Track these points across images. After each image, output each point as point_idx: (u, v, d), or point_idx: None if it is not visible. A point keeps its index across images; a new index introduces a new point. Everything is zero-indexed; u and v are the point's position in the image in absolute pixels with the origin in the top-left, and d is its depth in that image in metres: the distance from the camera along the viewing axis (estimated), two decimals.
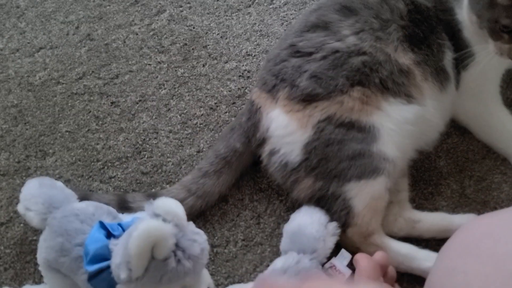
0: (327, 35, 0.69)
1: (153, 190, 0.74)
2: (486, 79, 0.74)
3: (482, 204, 0.71)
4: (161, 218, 0.51)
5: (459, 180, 0.73)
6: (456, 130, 0.78)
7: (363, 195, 0.64)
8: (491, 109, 0.75)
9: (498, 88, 0.75)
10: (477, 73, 0.73)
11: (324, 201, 0.66)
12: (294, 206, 0.70)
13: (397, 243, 0.65)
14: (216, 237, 0.70)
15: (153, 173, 0.77)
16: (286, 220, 0.69)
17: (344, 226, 0.65)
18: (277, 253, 0.68)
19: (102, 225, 0.56)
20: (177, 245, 0.51)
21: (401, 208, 0.69)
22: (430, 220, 0.68)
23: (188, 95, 0.86)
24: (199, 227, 0.57)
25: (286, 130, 0.67)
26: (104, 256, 0.53)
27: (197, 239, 0.53)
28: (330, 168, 0.64)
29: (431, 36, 0.72)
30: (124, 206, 0.66)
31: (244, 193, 0.74)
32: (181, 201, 0.59)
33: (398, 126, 0.66)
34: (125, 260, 0.48)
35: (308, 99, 0.67)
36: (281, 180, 0.68)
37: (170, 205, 0.52)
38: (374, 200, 0.65)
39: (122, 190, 0.75)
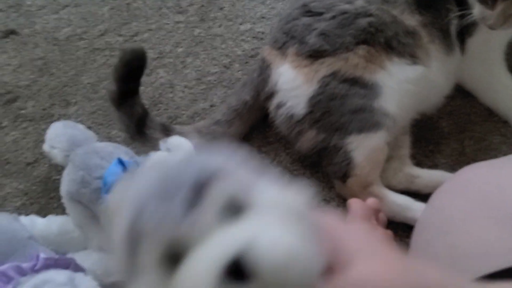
0: None
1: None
2: (490, 45, 0.76)
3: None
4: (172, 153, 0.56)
5: (459, 139, 0.76)
6: (460, 93, 0.80)
7: (363, 147, 0.68)
8: (495, 74, 0.77)
9: (503, 55, 0.77)
10: (481, 39, 0.75)
11: (326, 152, 0.70)
12: (299, 158, 0.74)
13: (394, 194, 0.69)
14: None
15: (168, 124, 0.81)
16: (291, 171, 0.73)
17: (344, 176, 0.69)
18: None
19: (120, 161, 0.61)
20: None
21: (401, 163, 0.73)
22: (429, 177, 0.72)
23: (204, 54, 0.90)
24: None
25: (293, 84, 0.71)
26: None
27: None
28: (332, 121, 0.68)
29: (439, 0, 0.74)
30: (141, 130, 0.71)
31: (253, 145, 0.78)
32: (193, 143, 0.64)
33: (401, 85, 0.69)
34: None
35: (315, 55, 0.70)
36: (286, 131, 0.72)
37: (181, 142, 0.57)
38: (374, 152, 0.68)
39: None
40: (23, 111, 0.84)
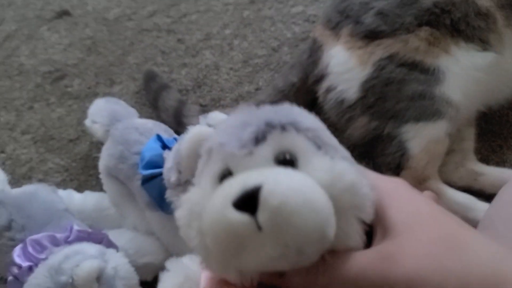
0: None
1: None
2: None
3: None
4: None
5: None
6: None
7: (421, 137, 0.61)
8: None
9: None
10: None
11: (378, 142, 0.64)
12: (348, 148, 0.68)
13: (454, 191, 0.62)
14: None
15: (211, 106, 0.78)
16: None
17: (398, 168, 0.62)
18: None
19: (159, 137, 0.58)
20: None
21: (464, 157, 0.65)
22: (495, 174, 0.64)
23: (252, 36, 0.86)
24: None
25: (345, 67, 0.65)
26: (158, 163, 0.55)
27: None
28: (387, 107, 0.62)
29: None
30: (179, 120, 0.68)
31: None
32: None
33: (467, 72, 0.62)
34: (175, 162, 0.50)
35: (371, 36, 0.64)
36: (335, 117, 0.67)
37: (222, 117, 0.53)
38: (432, 144, 0.61)
39: None
40: (69, 89, 0.84)
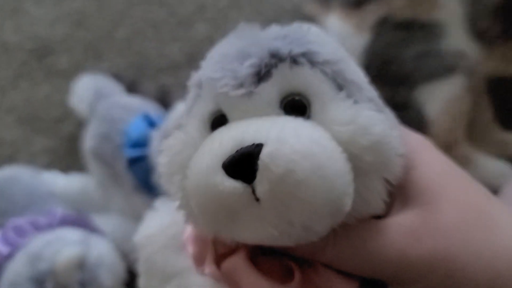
0: None
1: None
2: None
3: None
4: None
5: None
6: None
7: (436, 99, 0.55)
8: None
9: None
10: None
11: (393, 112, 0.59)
12: None
13: (486, 158, 0.56)
14: None
15: None
16: None
17: None
18: None
19: (146, 116, 0.55)
20: None
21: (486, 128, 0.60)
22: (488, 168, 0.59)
23: (249, 7, 0.81)
24: None
25: (343, 37, 0.61)
26: (144, 143, 0.52)
27: None
28: (394, 72, 0.57)
29: None
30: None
31: None
32: None
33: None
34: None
35: (361, 2, 0.60)
36: None
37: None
38: (451, 103, 0.55)
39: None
40: (56, 66, 0.80)
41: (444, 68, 0.55)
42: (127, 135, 0.53)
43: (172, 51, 0.78)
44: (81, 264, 0.45)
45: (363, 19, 0.59)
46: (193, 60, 0.77)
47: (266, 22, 0.81)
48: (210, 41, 0.82)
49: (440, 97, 0.55)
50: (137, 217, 0.55)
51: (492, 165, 0.56)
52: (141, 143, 0.52)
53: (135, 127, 0.53)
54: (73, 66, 0.79)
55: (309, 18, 0.65)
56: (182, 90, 0.72)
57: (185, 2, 0.83)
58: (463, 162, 0.54)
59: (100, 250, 0.48)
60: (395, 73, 0.57)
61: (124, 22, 0.83)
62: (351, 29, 0.60)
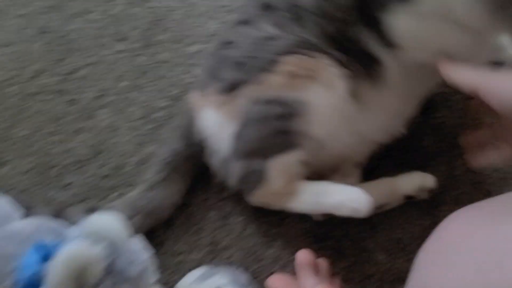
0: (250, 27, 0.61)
1: (95, 204, 0.68)
2: None
3: (473, 186, 0.63)
4: (92, 238, 0.45)
5: (447, 160, 0.65)
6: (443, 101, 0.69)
7: (277, 169, 0.59)
8: None
9: None
10: None
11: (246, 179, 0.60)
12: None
13: (312, 183, 0.60)
14: (179, 244, 0.64)
15: (112, 175, 0.71)
16: (253, 219, 0.63)
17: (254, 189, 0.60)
18: (245, 256, 0.62)
19: (39, 247, 0.51)
20: (110, 268, 0.45)
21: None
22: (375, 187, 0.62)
23: (150, 86, 0.79)
24: (158, 236, 0.51)
25: (218, 127, 0.61)
26: (38, 283, 0.48)
27: (136, 259, 0.47)
28: (254, 148, 0.59)
29: None
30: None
31: (208, 193, 0.67)
32: (127, 220, 0.53)
33: (333, 106, 0.57)
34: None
35: (233, 88, 0.59)
36: (224, 178, 0.63)
37: (103, 223, 0.47)
38: (286, 168, 0.59)
39: (80, 197, 0.70)
40: None
41: (287, 145, 0.58)
42: (17, 275, 0.49)
43: (76, 144, 0.74)
44: None
45: (236, 105, 0.58)
46: (98, 151, 0.73)
47: (169, 100, 0.79)
48: (113, 128, 0.80)
49: (279, 167, 0.58)
50: None
51: (312, 187, 0.60)
52: (34, 284, 0.48)
53: (25, 265, 0.49)
54: None
55: (190, 113, 0.65)
56: (90, 189, 0.68)
57: (84, 88, 0.80)
58: (293, 194, 0.60)
59: None
60: (254, 150, 0.59)
61: (21, 118, 0.78)
62: (224, 117, 0.60)
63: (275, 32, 0.58)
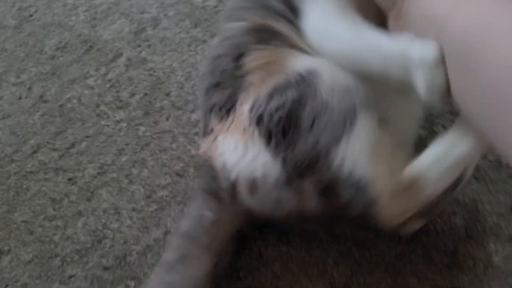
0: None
1: None
2: None
3: None
4: None
5: None
6: None
7: (355, 151, 0.50)
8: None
9: None
10: None
11: (331, 190, 0.52)
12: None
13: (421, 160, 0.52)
14: None
15: (115, 267, 0.66)
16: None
17: (369, 207, 0.51)
18: None
19: None
20: None
21: None
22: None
23: (152, 160, 0.74)
24: None
25: (240, 151, 0.54)
26: None
27: None
28: (306, 149, 0.51)
29: None
30: None
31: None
32: None
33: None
34: None
35: (228, 106, 0.56)
36: (286, 213, 0.54)
37: None
38: (374, 147, 0.51)
39: None
40: None
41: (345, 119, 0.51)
42: None
43: (76, 230, 0.70)
44: None
45: (244, 119, 0.54)
46: (100, 238, 0.69)
47: (172, 176, 0.74)
48: (115, 211, 0.76)
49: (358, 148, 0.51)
50: None
51: (427, 161, 0.52)
52: None
53: None
54: None
55: (203, 162, 0.59)
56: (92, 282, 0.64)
57: (83, 164, 0.76)
58: (416, 185, 0.51)
59: None
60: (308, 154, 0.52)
61: (21, 201, 0.75)
62: (240, 136, 0.54)
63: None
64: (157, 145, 0.76)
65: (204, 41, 0.85)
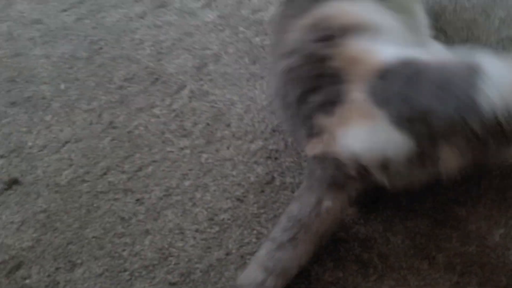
0: None
1: None
2: None
3: None
4: None
5: None
6: None
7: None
8: None
9: None
10: None
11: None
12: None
13: None
14: None
15: (180, 283, 0.72)
16: None
17: None
18: None
19: None
20: None
21: None
22: None
23: (214, 185, 0.80)
24: None
25: (367, 134, 0.60)
26: None
27: None
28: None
29: None
30: None
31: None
32: (261, 284, 0.57)
33: None
34: None
35: (333, 100, 0.63)
36: (424, 176, 0.61)
37: None
38: None
39: None
40: (27, 281, 0.77)
41: None
42: None
43: (144, 247, 0.76)
44: None
45: (360, 107, 0.60)
46: (166, 256, 0.75)
47: (233, 201, 0.79)
48: (180, 231, 0.81)
49: None
50: None
51: None
52: None
53: None
54: (45, 279, 0.77)
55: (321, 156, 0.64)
56: None
57: (150, 186, 0.83)
58: None
59: None
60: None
61: (92, 218, 0.81)
62: (364, 121, 0.60)
63: None
64: (218, 172, 0.82)
65: (262, 77, 0.92)
